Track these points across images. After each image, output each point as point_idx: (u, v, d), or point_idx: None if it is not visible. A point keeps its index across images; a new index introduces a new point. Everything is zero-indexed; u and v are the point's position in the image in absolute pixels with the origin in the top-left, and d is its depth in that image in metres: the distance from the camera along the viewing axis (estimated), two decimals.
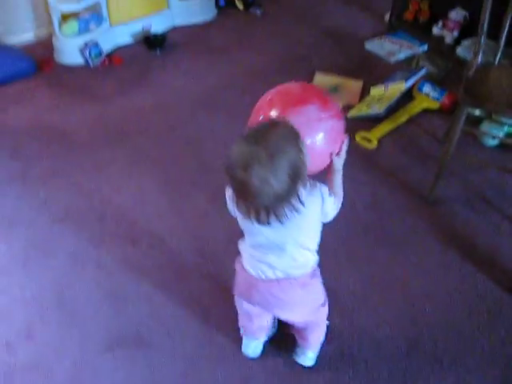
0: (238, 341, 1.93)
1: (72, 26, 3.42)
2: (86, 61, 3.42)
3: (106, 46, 3.54)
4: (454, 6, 3.51)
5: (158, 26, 3.73)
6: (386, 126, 2.93)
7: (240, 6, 4.10)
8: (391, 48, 3.63)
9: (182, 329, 2.00)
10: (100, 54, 3.44)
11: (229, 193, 1.51)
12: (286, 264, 1.58)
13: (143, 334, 1.98)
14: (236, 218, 1.56)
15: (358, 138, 2.82)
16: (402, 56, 3.56)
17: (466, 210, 2.47)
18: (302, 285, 1.64)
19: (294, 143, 1.34)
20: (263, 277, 1.61)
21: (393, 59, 3.53)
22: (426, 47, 3.63)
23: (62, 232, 2.37)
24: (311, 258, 1.63)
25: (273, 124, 1.38)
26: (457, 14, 3.49)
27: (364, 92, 3.20)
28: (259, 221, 1.40)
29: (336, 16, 4.07)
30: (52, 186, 2.61)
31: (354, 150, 2.70)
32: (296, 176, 1.33)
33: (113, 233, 2.37)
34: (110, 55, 3.52)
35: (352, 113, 3.01)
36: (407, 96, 3.12)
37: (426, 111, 3.05)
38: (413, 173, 2.66)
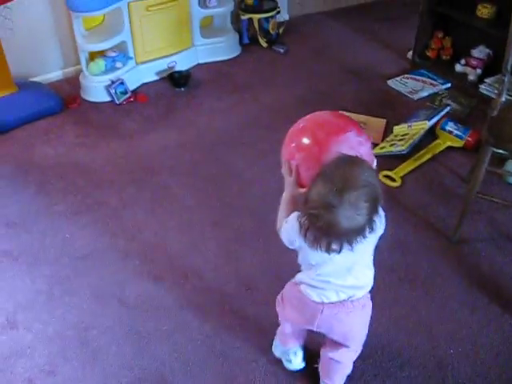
0: (260, 379, 1.91)
1: (99, 64, 3.50)
2: (112, 98, 3.49)
3: (132, 84, 3.60)
4: (478, 44, 3.53)
5: (182, 63, 3.80)
6: (410, 164, 2.92)
7: (263, 43, 4.16)
8: (414, 86, 3.65)
9: (203, 368, 1.99)
10: (125, 91, 3.51)
11: (292, 226, 1.53)
12: (350, 285, 1.61)
13: (165, 374, 1.97)
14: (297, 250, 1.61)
15: (381, 176, 2.82)
16: (425, 94, 3.57)
17: (491, 249, 2.44)
18: (363, 306, 1.68)
19: (373, 177, 1.41)
20: (326, 301, 1.63)
21: (416, 97, 3.54)
22: (449, 85, 3.64)
23: (86, 269, 2.39)
24: (371, 277, 1.67)
25: (350, 161, 1.40)
26: (480, 52, 3.50)
27: (387, 130, 3.20)
28: (329, 251, 1.44)
29: (358, 53, 4.11)
30: (77, 222, 2.64)
31: None
32: (375, 208, 1.40)
33: (136, 270, 2.37)
34: (135, 92, 3.58)
35: (375, 151, 3.01)
36: (431, 134, 3.12)
37: (449, 149, 3.04)
38: (437, 212, 2.65)
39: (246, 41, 4.18)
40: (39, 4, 3.53)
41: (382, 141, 3.11)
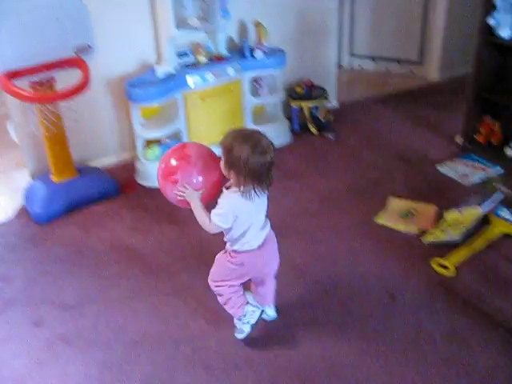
0: None
1: (154, 151, 3.64)
2: None
3: None
4: None
5: None
6: (463, 252, 2.88)
7: (314, 130, 4.25)
8: (464, 171, 3.64)
9: None
10: None
11: (229, 203, 2.12)
12: (265, 224, 2.27)
13: None
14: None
15: (434, 265, 2.78)
16: (476, 179, 3.56)
17: None
18: (273, 236, 2.34)
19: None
20: (261, 242, 2.25)
21: (467, 182, 3.53)
22: (500, 169, 3.62)
23: (138, 355, 2.40)
24: None
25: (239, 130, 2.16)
26: None
27: (438, 216, 3.18)
28: (266, 191, 2.13)
29: (407, 139, 4.16)
30: (130, 307, 2.68)
31: (430, 277, 2.69)
32: None
33: (188, 358, 2.37)
34: None
35: (427, 238, 2.98)
36: (484, 220, 3.08)
37: (505, 236, 2.99)
38: (494, 302, 2.57)
39: (296, 128, 4.30)
40: (101, 95, 3.77)
41: (433, 227, 3.08)
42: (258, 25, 3.95)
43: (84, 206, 3.51)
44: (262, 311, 2.46)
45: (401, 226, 3.11)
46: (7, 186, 3.93)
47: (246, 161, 1.98)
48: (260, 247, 2.25)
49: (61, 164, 3.50)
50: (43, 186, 3.52)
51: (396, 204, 3.31)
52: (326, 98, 4.29)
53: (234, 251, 2.26)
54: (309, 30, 4.45)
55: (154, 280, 2.85)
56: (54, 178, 3.52)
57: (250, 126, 4.01)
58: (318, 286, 2.73)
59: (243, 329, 2.41)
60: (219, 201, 2.14)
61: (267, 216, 2.29)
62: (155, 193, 3.48)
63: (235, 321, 2.44)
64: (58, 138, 3.41)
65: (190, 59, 3.82)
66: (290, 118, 4.29)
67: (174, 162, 2.19)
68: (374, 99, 4.96)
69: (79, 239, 3.23)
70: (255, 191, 2.07)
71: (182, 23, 3.63)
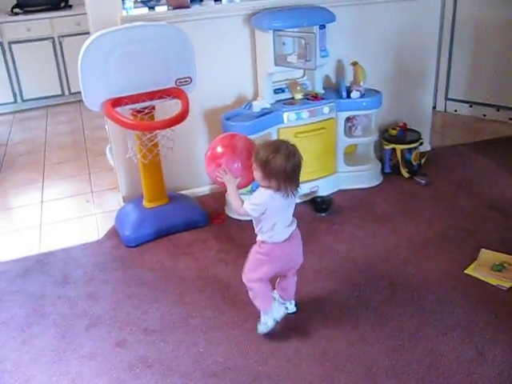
0: None
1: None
2: None
3: None
4: None
5: (324, 188, 3.91)
6: None
7: (405, 173, 4.18)
8: None
9: None
10: None
11: (261, 196, 2.45)
12: (291, 222, 2.61)
13: None
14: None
15: None
16: None
17: None
18: (298, 234, 2.66)
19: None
20: (287, 237, 2.56)
21: None
22: None
23: None
24: None
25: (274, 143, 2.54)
26: None
27: None
28: (295, 194, 2.49)
29: (503, 188, 3.99)
30: (211, 337, 2.69)
31: None
32: None
33: None
34: None
35: None
36: None
37: None
38: None
39: (387, 170, 4.23)
40: (198, 126, 3.89)
41: None
42: (355, 65, 3.95)
43: (172, 232, 3.58)
44: (286, 308, 2.77)
45: (492, 280, 2.97)
46: (100, 207, 4.09)
47: (284, 168, 2.36)
48: (286, 241, 2.56)
49: (153, 190, 3.60)
50: (135, 210, 3.64)
51: (488, 256, 3.17)
52: (420, 143, 4.21)
53: (263, 242, 2.57)
54: (406, 71, 4.40)
55: (237, 312, 2.85)
56: (146, 204, 3.62)
57: (342, 165, 4.01)
58: (402, 332, 2.64)
59: (268, 323, 2.65)
60: (254, 194, 2.51)
61: (294, 215, 2.63)
62: (243, 225, 3.53)
63: (262, 315, 2.67)
64: (153, 165, 3.52)
65: (286, 95, 3.87)
66: (381, 160, 4.24)
67: (220, 149, 2.57)
68: (468, 145, 4.82)
69: (166, 265, 3.29)
70: (290, 191, 2.44)
71: (280, 60, 3.68)
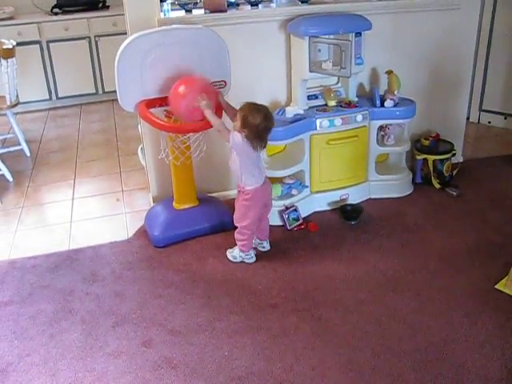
0: None
1: (276, 189, 3.65)
2: (284, 223, 3.63)
3: (304, 211, 3.73)
4: None
5: (355, 196, 3.89)
6: None
7: (436, 184, 4.13)
8: None
9: None
10: (298, 218, 3.64)
11: (241, 139, 3.00)
12: (263, 171, 3.20)
13: None
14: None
15: None
16: None
17: None
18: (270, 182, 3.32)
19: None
20: (263, 181, 3.19)
21: None
22: None
23: None
24: None
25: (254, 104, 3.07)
26: None
27: None
28: (259, 150, 3.07)
29: None
30: (236, 341, 2.69)
31: None
32: None
33: None
34: (306, 220, 3.69)
35: None
36: None
37: None
38: None
39: (418, 180, 4.19)
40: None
41: None
42: (390, 73, 3.93)
43: (201, 235, 3.60)
44: (263, 247, 3.45)
45: None
46: (130, 207, 4.13)
47: (258, 125, 2.95)
48: (263, 184, 3.17)
49: (184, 192, 3.62)
50: (164, 211, 3.66)
51: None
52: (453, 154, 4.16)
53: (247, 189, 3.15)
54: (441, 81, 4.36)
55: (263, 317, 2.84)
56: (176, 205, 3.64)
57: (373, 174, 3.99)
58: (430, 346, 2.61)
59: (237, 259, 3.33)
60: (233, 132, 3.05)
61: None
62: (271, 231, 3.52)
63: (238, 251, 3.32)
64: (184, 167, 3.53)
65: (319, 102, 3.86)
66: (412, 170, 4.20)
67: (187, 85, 3.12)
68: (501, 157, 4.74)
69: (194, 267, 3.31)
70: (257, 145, 3.01)
71: (315, 66, 3.67)
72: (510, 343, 2.62)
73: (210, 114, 3.06)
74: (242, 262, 3.33)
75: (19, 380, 2.54)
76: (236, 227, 3.31)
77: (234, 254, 3.34)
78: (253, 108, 3.00)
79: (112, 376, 2.53)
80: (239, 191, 3.23)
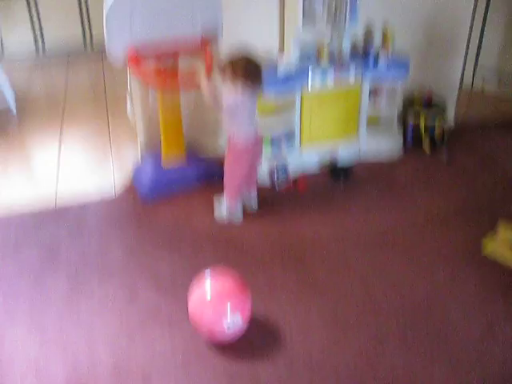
0: None
1: (265, 147, 3.61)
2: (273, 183, 3.61)
3: (293, 169, 3.71)
4: None
5: (344, 156, 3.86)
6: None
7: (427, 148, 4.10)
8: None
9: None
10: (287, 177, 3.61)
11: (234, 95, 2.96)
12: (254, 122, 3.11)
13: None
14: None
15: None
16: None
17: None
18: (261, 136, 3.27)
19: None
20: (253, 134, 3.11)
21: None
22: None
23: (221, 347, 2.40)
24: None
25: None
26: None
27: None
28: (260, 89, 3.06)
29: None
30: None
31: None
32: None
33: (273, 354, 2.34)
34: (295, 180, 3.66)
35: None
36: None
37: None
38: None
39: (409, 144, 4.16)
40: (219, 84, 3.80)
41: None
42: (385, 30, 3.85)
43: (189, 190, 3.57)
44: (253, 207, 3.41)
45: (510, 257, 2.93)
46: (118, 162, 4.07)
47: (245, 66, 2.92)
48: (254, 136, 3.11)
49: (172, 148, 3.58)
50: (152, 167, 3.62)
51: (507, 233, 3.12)
52: (444, 117, 4.13)
53: (236, 142, 3.10)
54: (435, 40, 4.27)
55: (249, 272, 2.83)
56: (164, 161, 3.60)
57: (364, 135, 3.96)
58: (414, 303, 2.63)
59: (223, 216, 3.31)
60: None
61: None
62: (260, 190, 3.49)
63: (225, 206, 3.30)
64: (173, 124, 3.49)
65: (312, 60, 3.79)
66: (404, 133, 4.16)
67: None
68: (494, 122, 4.72)
69: (181, 223, 3.30)
70: (254, 86, 2.97)
71: (308, 22, 3.59)
72: (493, 302, 2.65)
73: (202, 80, 3.02)
74: (229, 222, 3.29)
75: (4, 331, 2.53)
76: (224, 181, 3.28)
77: (222, 210, 3.31)
78: (233, 56, 2.97)
79: (98, 327, 2.53)
80: (229, 145, 3.18)
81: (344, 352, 2.36)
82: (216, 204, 3.37)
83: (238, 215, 3.31)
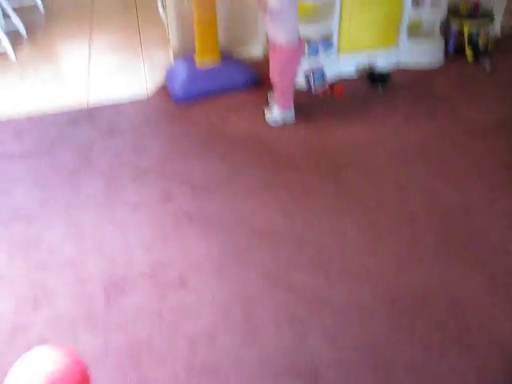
0: None
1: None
2: (309, 86, 3.51)
3: (330, 75, 3.60)
4: None
5: (383, 62, 3.72)
6: None
7: (470, 56, 3.93)
8: None
9: (360, 374, 1.92)
10: (323, 81, 3.51)
11: None
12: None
13: (319, 369, 1.93)
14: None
15: None
16: None
17: None
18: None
19: None
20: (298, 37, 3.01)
21: None
22: None
23: (259, 246, 2.41)
24: None
25: None
26: None
27: None
28: None
29: None
30: (257, 198, 2.69)
31: None
32: None
33: (309, 261, 2.35)
34: (332, 85, 3.56)
35: None
36: None
37: None
38: None
39: (451, 50, 3.98)
40: None
41: None
42: None
43: (223, 93, 3.50)
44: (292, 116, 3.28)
45: None
46: (150, 63, 3.99)
47: None
48: (297, 42, 3.00)
49: (207, 48, 3.47)
50: (186, 67, 3.54)
51: None
52: (491, 25, 3.92)
53: (281, 47, 2.98)
54: None
55: (284, 177, 2.82)
56: (198, 61, 3.51)
57: (404, 39, 3.78)
58: (450, 213, 2.59)
59: (279, 123, 3.22)
60: None
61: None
62: (296, 93, 3.40)
63: (276, 111, 3.22)
64: (208, 22, 3.36)
65: None
66: (446, 39, 3.98)
67: None
68: None
69: (215, 124, 3.26)
70: None
71: None
72: None
73: None
74: (284, 124, 3.24)
75: (41, 227, 2.58)
76: (266, 85, 3.24)
77: (275, 115, 3.25)
78: None
79: (131, 226, 2.55)
80: (275, 52, 3.06)
81: (379, 259, 2.36)
82: (266, 109, 3.31)
83: (292, 115, 3.25)
